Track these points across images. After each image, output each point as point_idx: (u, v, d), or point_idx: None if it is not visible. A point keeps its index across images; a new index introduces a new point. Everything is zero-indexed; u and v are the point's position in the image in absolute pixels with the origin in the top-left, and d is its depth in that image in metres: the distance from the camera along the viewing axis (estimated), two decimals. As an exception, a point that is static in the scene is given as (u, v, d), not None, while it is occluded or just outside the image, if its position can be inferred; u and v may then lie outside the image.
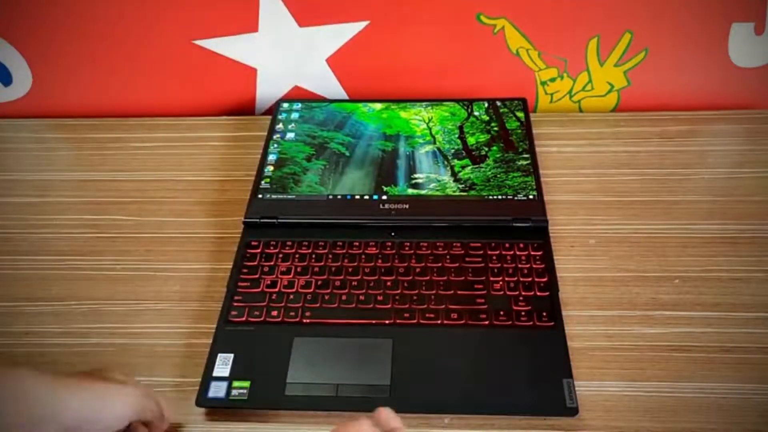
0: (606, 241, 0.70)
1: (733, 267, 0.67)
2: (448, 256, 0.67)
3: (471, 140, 0.79)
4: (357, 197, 0.73)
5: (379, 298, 0.64)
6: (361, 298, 0.64)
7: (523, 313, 0.62)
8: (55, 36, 0.86)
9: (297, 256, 0.68)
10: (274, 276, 0.66)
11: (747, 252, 0.68)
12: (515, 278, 0.65)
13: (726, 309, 0.63)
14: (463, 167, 0.75)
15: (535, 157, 0.75)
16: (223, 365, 0.59)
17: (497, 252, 0.67)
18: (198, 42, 0.86)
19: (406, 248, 0.68)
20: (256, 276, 0.66)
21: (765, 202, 0.73)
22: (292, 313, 0.63)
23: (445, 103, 0.84)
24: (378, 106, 0.84)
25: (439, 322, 0.62)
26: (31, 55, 0.88)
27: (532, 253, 0.67)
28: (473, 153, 0.77)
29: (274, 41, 0.85)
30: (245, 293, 0.65)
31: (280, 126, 0.82)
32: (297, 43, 0.86)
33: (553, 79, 0.87)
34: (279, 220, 0.71)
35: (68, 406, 0.44)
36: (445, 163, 0.76)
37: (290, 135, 0.81)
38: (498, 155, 0.76)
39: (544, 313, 0.62)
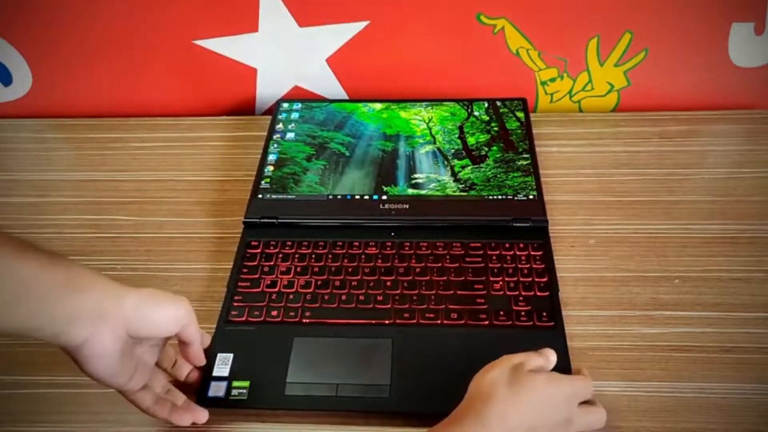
0: (606, 241, 0.70)
1: (733, 267, 0.66)
2: (448, 256, 0.67)
3: (471, 140, 0.78)
4: (357, 197, 0.73)
5: (379, 298, 0.64)
6: (361, 298, 0.64)
7: (523, 313, 0.62)
8: (55, 36, 0.86)
9: (297, 256, 0.68)
10: (274, 276, 0.66)
11: (747, 252, 0.68)
12: (515, 278, 0.65)
13: (726, 309, 0.63)
14: (463, 167, 0.75)
15: (535, 157, 0.75)
16: (223, 365, 0.59)
17: (497, 252, 0.67)
18: (198, 42, 0.86)
19: (406, 248, 0.68)
20: (256, 276, 0.66)
21: (765, 202, 0.73)
22: (292, 313, 0.63)
23: (445, 103, 0.84)
24: (378, 106, 0.84)
25: (438, 322, 0.62)
26: (31, 55, 0.88)
27: (532, 253, 0.67)
28: (473, 153, 0.77)
29: (274, 41, 0.85)
30: (245, 293, 0.65)
31: (280, 126, 0.82)
32: (297, 43, 0.86)
33: (553, 79, 0.87)
34: (279, 220, 0.71)
35: (127, 298, 0.47)
36: (445, 163, 0.76)
37: (290, 135, 0.81)
38: (498, 155, 0.76)
39: (544, 313, 0.62)
